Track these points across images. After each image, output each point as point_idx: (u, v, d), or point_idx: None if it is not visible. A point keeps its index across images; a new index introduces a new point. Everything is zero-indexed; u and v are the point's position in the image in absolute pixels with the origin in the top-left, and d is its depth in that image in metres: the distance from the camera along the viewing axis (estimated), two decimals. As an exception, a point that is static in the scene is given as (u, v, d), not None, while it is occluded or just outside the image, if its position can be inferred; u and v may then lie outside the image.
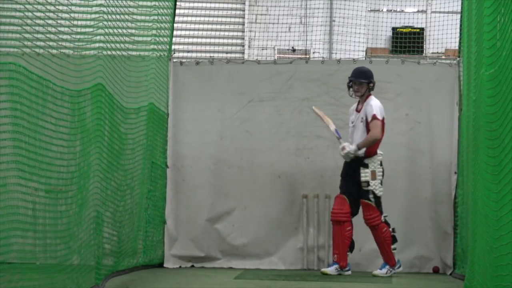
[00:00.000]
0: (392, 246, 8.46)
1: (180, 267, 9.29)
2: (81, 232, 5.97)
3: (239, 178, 9.35)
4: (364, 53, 14.50)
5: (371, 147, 8.41)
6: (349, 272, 8.38)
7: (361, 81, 8.49)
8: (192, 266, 9.34)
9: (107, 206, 6.86)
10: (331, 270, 8.30)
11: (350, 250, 8.46)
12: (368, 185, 8.35)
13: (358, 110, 8.54)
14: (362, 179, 8.35)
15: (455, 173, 9.03)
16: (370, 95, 8.54)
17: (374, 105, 8.43)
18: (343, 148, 8.41)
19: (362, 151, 8.39)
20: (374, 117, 8.37)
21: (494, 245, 4.68)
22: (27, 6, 4.96)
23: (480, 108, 5.46)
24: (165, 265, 9.26)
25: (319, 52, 14.47)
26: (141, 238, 8.47)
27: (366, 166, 8.38)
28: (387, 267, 8.46)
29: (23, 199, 4.85)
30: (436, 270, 9.08)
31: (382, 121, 8.44)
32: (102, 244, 6.70)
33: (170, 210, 9.34)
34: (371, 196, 8.36)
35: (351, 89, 8.58)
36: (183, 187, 9.39)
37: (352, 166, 8.43)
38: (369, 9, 15.14)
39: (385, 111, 9.29)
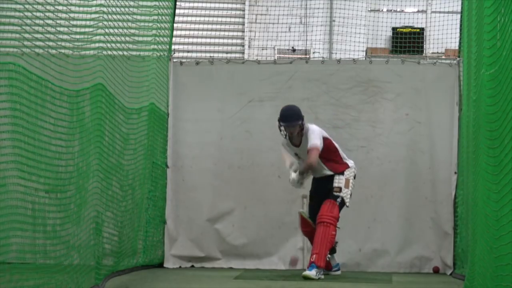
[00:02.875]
0: (328, 255, 8.21)
1: (180, 267, 9.28)
2: (80, 232, 5.97)
3: (239, 178, 9.35)
4: (364, 53, 14.50)
5: (339, 166, 8.22)
6: (322, 276, 8.03)
7: (297, 123, 8.10)
8: (192, 266, 9.33)
9: (108, 206, 6.86)
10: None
11: (331, 252, 8.32)
12: (340, 191, 8.12)
13: (297, 145, 8.23)
14: (335, 184, 8.14)
15: (455, 173, 9.02)
16: (303, 128, 8.18)
17: (314, 132, 8.09)
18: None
19: (330, 172, 8.21)
20: (312, 149, 8.01)
21: (494, 245, 4.67)
22: (27, 6, 4.96)
23: (480, 108, 5.45)
24: (165, 265, 9.26)
25: (319, 52, 14.47)
26: (141, 238, 8.47)
27: (342, 173, 8.21)
28: (316, 268, 7.93)
29: (23, 199, 4.85)
30: (436, 270, 9.07)
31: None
32: (102, 244, 6.69)
33: (170, 210, 9.34)
34: (339, 199, 8.12)
35: (282, 131, 8.19)
36: (183, 187, 9.39)
37: (323, 184, 8.25)
38: (369, 9, 15.14)
39: (385, 111, 9.32)
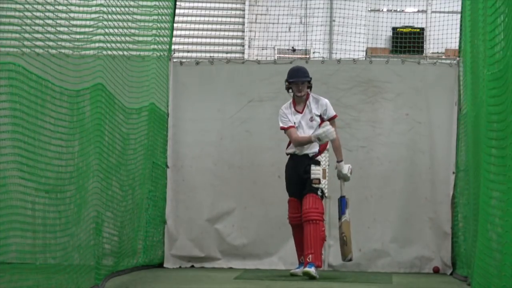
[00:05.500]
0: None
1: (180, 267, 9.28)
2: (80, 232, 5.96)
3: (239, 178, 9.35)
4: (364, 53, 14.49)
5: (323, 144, 8.12)
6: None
7: (306, 79, 8.08)
8: (192, 266, 9.33)
9: (108, 206, 6.86)
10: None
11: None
12: (319, 182, 7.93)
13: (300, 111, 8.13)
14: (313, 176, 7.92)
15: (453, 173, 9.03)
16: (309, 93, 8.17)
17: (329, 103, 8.14)
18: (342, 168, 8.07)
19: (316, 148, 8.06)
20: (335, 117, 8.13)
21: (499, 244, 4.66)
22: (27, 6, 4.95)
23: (483, 108, 5.44)
24: (165, 265, 9.26)
25: (319, 52, 14.46)
26: (141, 238, 8.47)
27: (318, 163, 8.01)
28: (314, 267, 7.82)
29: (23, 199, 4.84)
30: (436, 270, 9.07)
31: None
32: (102, 244, 6.69)
33: (170, 210, 9.34)
34: (319, 193, 7.94)
35: (290, 90, 8.14)
36: (183, 187, 9.39)
37: (302, 164, 8.04)
38: (369, 9, 15.13)
39: (385, 111, 9.33)
